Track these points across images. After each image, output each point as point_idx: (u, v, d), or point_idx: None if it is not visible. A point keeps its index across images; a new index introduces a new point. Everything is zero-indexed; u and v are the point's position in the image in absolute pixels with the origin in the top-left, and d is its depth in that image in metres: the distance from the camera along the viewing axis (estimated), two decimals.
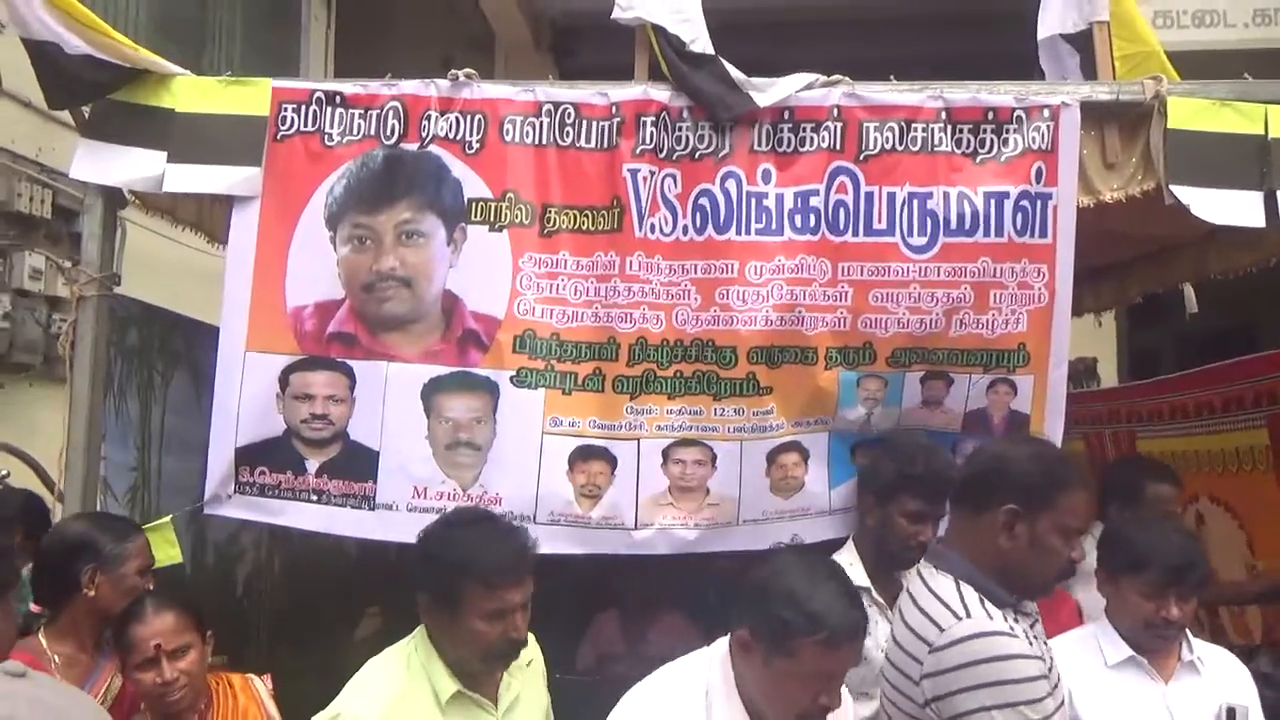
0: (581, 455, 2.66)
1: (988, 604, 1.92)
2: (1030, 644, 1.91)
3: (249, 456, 2.69)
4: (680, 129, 2.71)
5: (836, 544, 2.77)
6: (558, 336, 2.67)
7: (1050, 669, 1.92)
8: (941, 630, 1.89)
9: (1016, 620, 1.94)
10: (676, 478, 2.71)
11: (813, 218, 2.69)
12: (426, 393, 2.65)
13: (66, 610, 2.34)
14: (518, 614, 2.02)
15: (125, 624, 2.21)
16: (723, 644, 1.97)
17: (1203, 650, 2.45)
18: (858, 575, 2.61)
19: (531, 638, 2.28)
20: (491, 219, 2.69)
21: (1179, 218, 2.73)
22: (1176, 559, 2.33)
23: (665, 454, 2.71)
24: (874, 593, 2.59)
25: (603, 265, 2.67)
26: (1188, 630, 2.41)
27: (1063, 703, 1.96)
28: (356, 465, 2.68)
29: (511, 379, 2.64)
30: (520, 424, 2.64)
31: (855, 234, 2.71)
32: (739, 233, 2.69)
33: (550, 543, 2.62)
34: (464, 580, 1.99)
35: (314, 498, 2.70)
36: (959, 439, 2.81)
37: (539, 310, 2.66)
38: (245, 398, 2.68)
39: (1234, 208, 2.66)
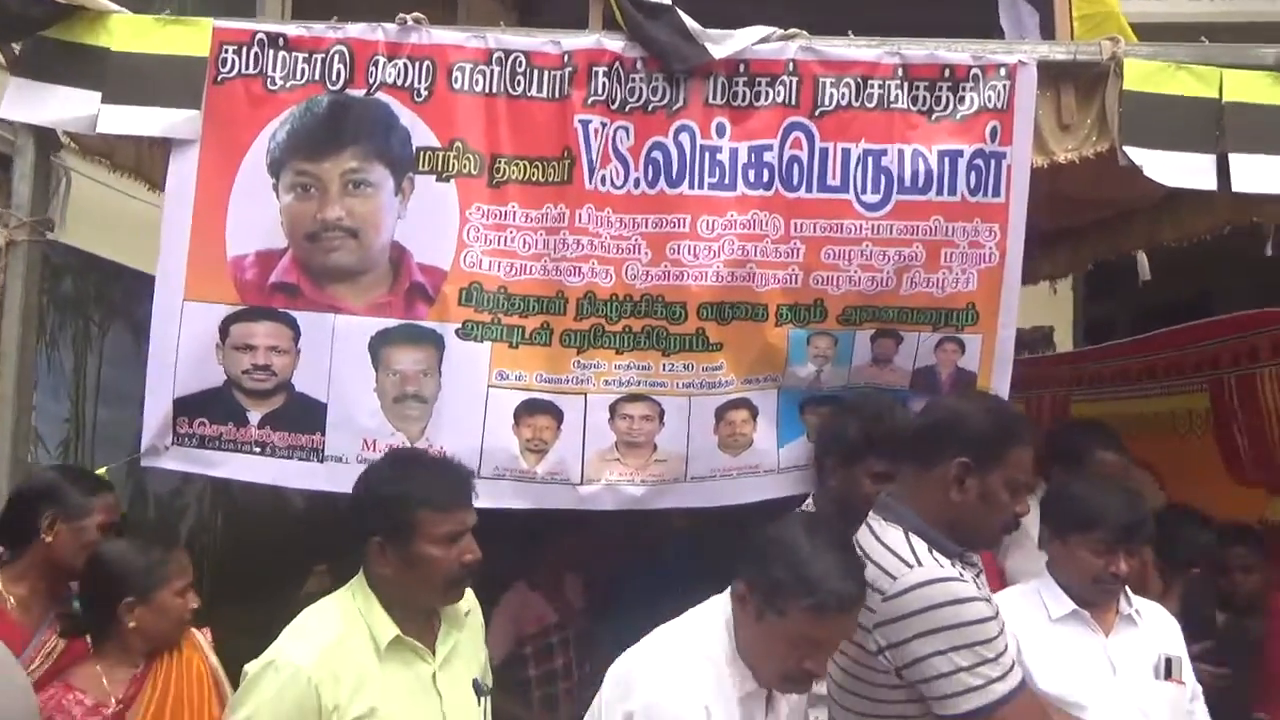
0: (527, 409, 2.64)
1: (936, 553, 1.95)
2: (979, 590, 1.95)
3: (187, 408, 2.63)
4: (634, 80, 2.66)
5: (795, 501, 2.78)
6: (505, 290, 2.63)
7: (998, 614, 1.95)
8: (894, 579, 1.91)
9: (964, 570, 1.97)
10: (624, 433, 2.69)
11: (766, 173, 2.66)
12: (374, 345, 2.61)
13: (25, 554, 2.35)
14: (469, 536, 2.02)
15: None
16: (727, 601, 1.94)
17: (1140, 604, 2.53)
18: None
19: (470, 591, 2.27)
20: (439, 169, 2.63)
21: (1132, 180, 2.74)
22: (1127, 517, 2.40)
23: (613, 409, 2.69)
24: None
25: (552, 218, 2.63)
26: (1126, 585, 2.47)
27: (1012, 649, 1.98)
28: (302, 417, 2.63)
29: (457, 331, 2.60)
30: (466, 377, 2.60)
31: (809, 190, 2.68)
32: (691, 187, 2.65)
33: (495, 497, 2.61)
34: (416, 508, 1.98)
35: (257, 449, 2.65)
36: (907, 396, 2.81)
37: (486, 263, 2.61)
38: (183, 348, 2.61)
39: (1187, 170, 2.67)
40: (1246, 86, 2.71)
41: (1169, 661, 2.45)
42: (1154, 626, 2.51)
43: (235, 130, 2.63)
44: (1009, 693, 1.86)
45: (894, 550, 1.95)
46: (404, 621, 2.03)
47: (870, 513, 2.12)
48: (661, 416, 2.70)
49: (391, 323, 2.59)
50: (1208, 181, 2.67)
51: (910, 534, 1.97)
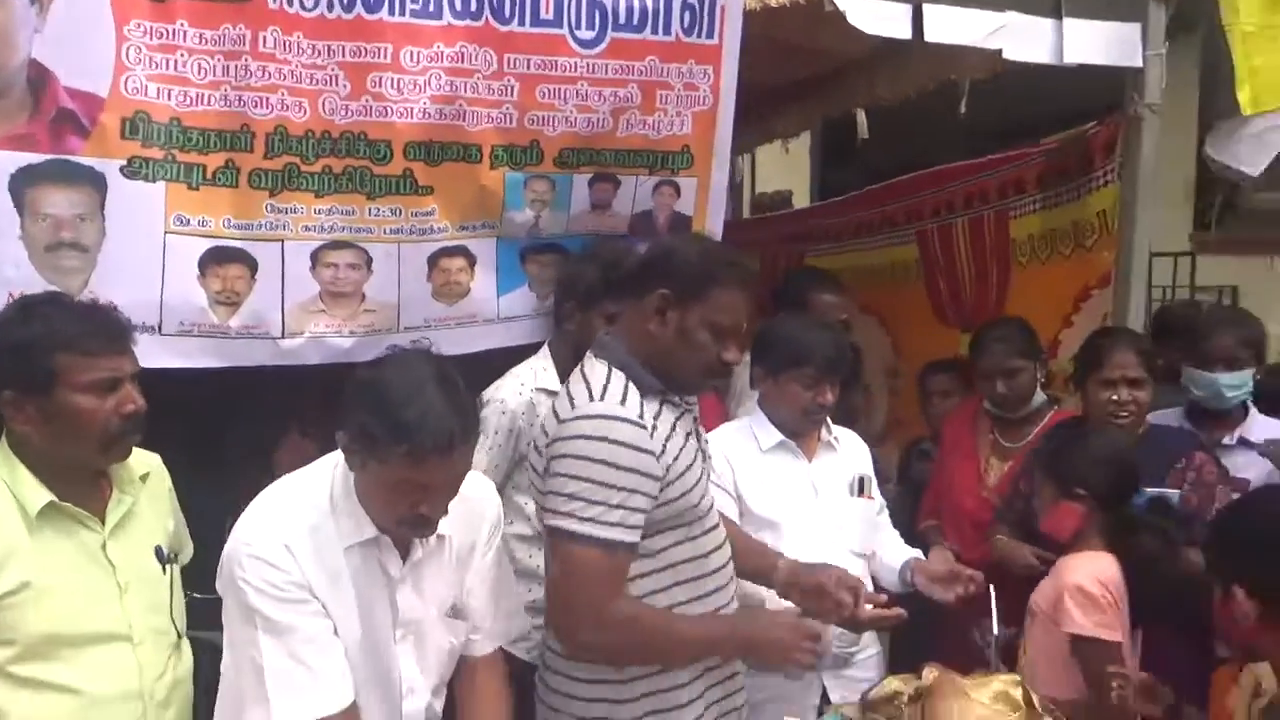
0: (215, 258, 2.39)
1: (632, 392, 1.94)
2: (669, 437, 1.94)
3: None
4: None
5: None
6: (179, 121, 2.32)
7: (672, 468, 1.93)
8: (573, 408, 1.91)
9: (664, 409, 1.98)
10: (328, 283, 2.51)
11: (474, 2, 2.48)
12: (16, 185, 2.23)
13: None
14: (129, 384, 1.83)
15: None
16: None
17: (838, 431, 2.73)
18: (550, 380, 2.62)
19: (155, 458, 2.08)
20: None
21: (841, 30, 2.79)
22: (831, 352, 2.55)
23: (315, 257, 2.49)
24: None
25: (231, 40, 2.32)
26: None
27: (675, 499, 1.96)
28: None
29: (122, 169, 2.28)
30: (137, 222, 2.30)
31: (521, 23, 2.53)
32: (392, 13, 2.42)
33: (184, 355, 2.38)
34: (54, 353, 1.77)
35: None
36: (637, 244, 2.80)
37: (154, 90, 2.29)
38: None
39: (883, 18, 2.75)
40: None
41: (861, 480, 2.69)
42: (850, 450, 2.73)
43: None
44: (604, 539, 1.84)
45: (588, 382, 1.95)
46: (60, 486, 1.83)
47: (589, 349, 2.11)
48: (369, 264, 2.54)
49: (36, 158, 2.22)
50: (903, 30, 2.77)
51: (614, 369, 1.97)
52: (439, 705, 1.97)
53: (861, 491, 2.68)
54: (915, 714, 1.90)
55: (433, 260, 2.62)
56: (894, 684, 2.09)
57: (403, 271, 2.57)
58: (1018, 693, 1.93)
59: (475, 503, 1.89)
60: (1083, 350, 2.92)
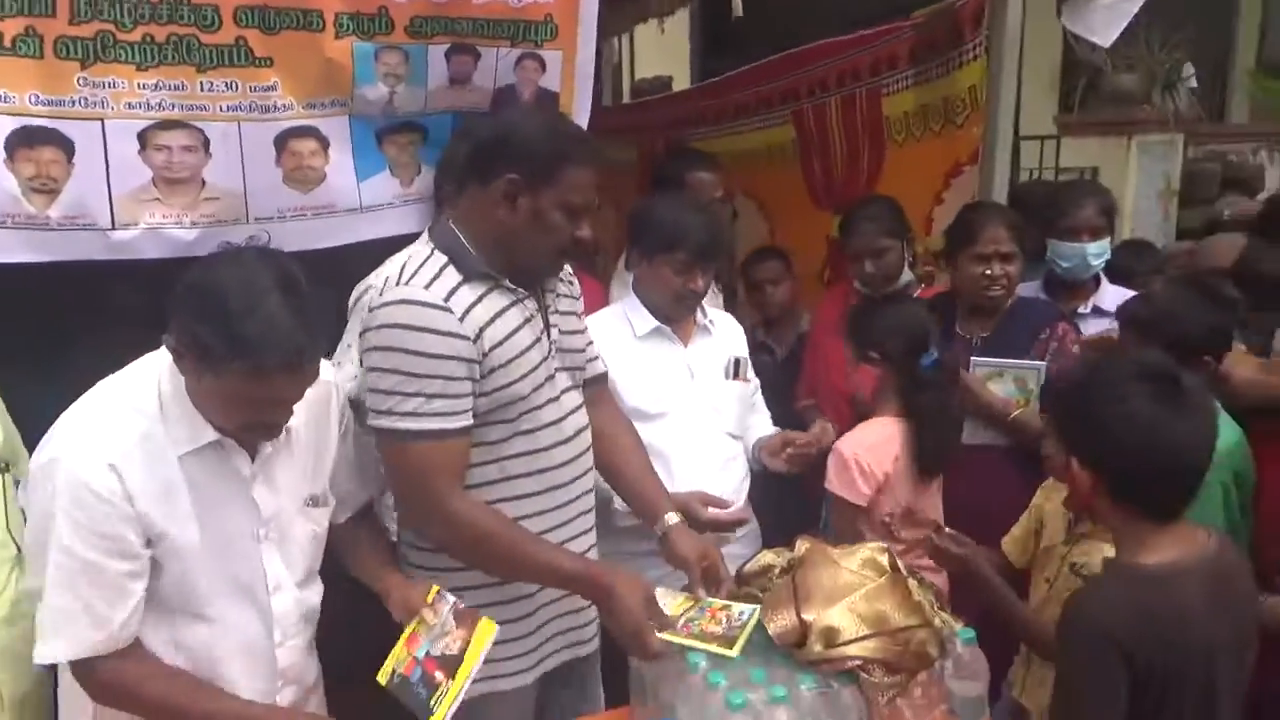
0: (24, 139, 2.13)
1: (448, 275, 1.84)
2: (489, 323, 1.85)
3: None
4: None
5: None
6: None
7: (492, 355, 1.85)
8: (380, 295, 1.84)
9: (493, 295, 1.88)
10: (161, 167, 2.28)
11: None
12: None
13: None
14: None
15: None
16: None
17: (713, 314, 2.70)
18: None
19: None
20: None
21: None
22: (704, 237, 2.49)
23: (143, 139, 2.26)
24: None
25: None
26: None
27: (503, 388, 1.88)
28: None
29: None
30: None
31: None
32: None
33: (1, 250, 2.16)
34: None
35: None
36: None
37: None
38: None
39: None
40: None
41: (736, 362, 2.68)
42: (724, 333, 2.71)
43: None
44: (431, 430, 1.79)
45: (403, 264, 1.87)
46: None
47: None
48: (206, 147, 2.32)
49: None
50: None
51: (437, 251, 1.88)
52: (315, 597, 1.90)
53: (737, 374, 2.68)
54: (787, 584, 1.93)
55: (280, 142, 2.42)
56: (767, 557, 2.12)
57: (246, 155, 2.36)
58: (884, 559, 1.99)
59: (317, 387, 1.76)
60: (954, 225, 2.95)
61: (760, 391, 2.81)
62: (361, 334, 1.87)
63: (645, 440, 2.32)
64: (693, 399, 2.57)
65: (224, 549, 1.72)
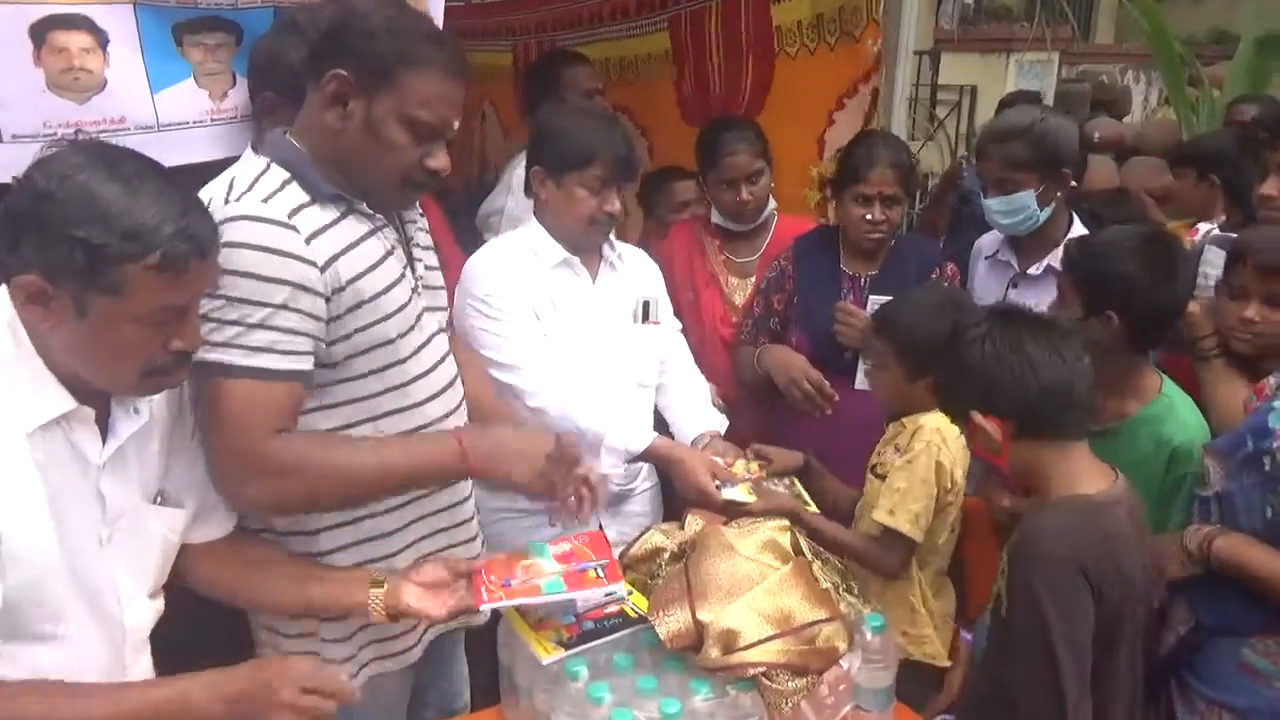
0: None
1: (291, 192, 1.51)
2: (343, 252, 1.52)
3: None
4: None
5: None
6: None
7: (349, 291, 1.53)
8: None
9: (348, 219, 1.55)
10: None
11: None
12: None
13: None
14: None
15: None
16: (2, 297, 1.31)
17: (622, 248, 2.40)
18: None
19: None
20: None
21: None
22: (622, 150, 2.21)
23: None
24: None
25: None
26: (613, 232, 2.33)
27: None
28: None
29: None
30: None
31: None
32: None
33: None
34: None
35: None
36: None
37: None
38: None
39: None
40: None
41: (646, 304, 2.39)
42: (634, 270, 2.40)
43: None
44: (249, 366, 1.46)
45: (231, 180, 1.52)
46: None
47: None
48: None
49: None
50: None
51: (273, 165, 1.53)
52: (158, 613, 1.52)
53: (646, 317, 2.38)
54: (679, 576, 1.68)
55: (39, 35, 1.90)
56: (656, 538, 1.87)
57: None
58: (786, 539, 1.76)
59: None
60: (843, 160, 2.66)
61: (680, 333, 2.52)
62: None
63: None
64: (598, 340, 2.27)
65: (72, 552, 1.34)
